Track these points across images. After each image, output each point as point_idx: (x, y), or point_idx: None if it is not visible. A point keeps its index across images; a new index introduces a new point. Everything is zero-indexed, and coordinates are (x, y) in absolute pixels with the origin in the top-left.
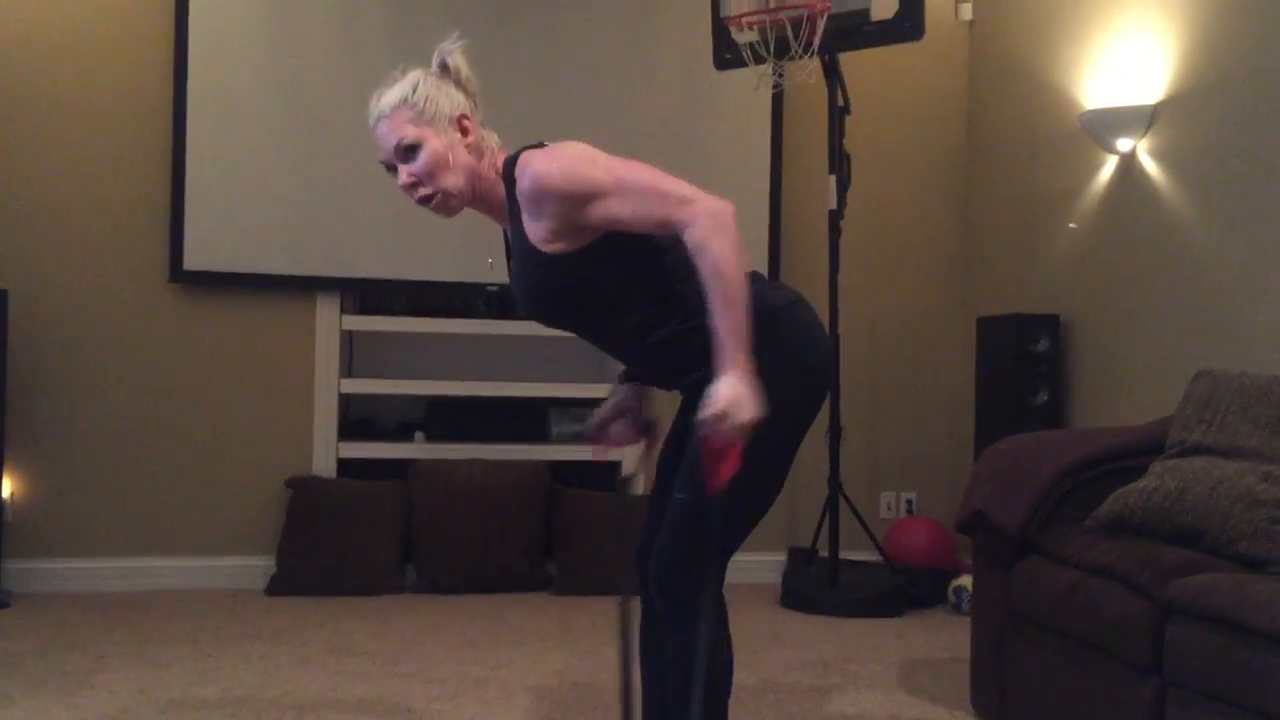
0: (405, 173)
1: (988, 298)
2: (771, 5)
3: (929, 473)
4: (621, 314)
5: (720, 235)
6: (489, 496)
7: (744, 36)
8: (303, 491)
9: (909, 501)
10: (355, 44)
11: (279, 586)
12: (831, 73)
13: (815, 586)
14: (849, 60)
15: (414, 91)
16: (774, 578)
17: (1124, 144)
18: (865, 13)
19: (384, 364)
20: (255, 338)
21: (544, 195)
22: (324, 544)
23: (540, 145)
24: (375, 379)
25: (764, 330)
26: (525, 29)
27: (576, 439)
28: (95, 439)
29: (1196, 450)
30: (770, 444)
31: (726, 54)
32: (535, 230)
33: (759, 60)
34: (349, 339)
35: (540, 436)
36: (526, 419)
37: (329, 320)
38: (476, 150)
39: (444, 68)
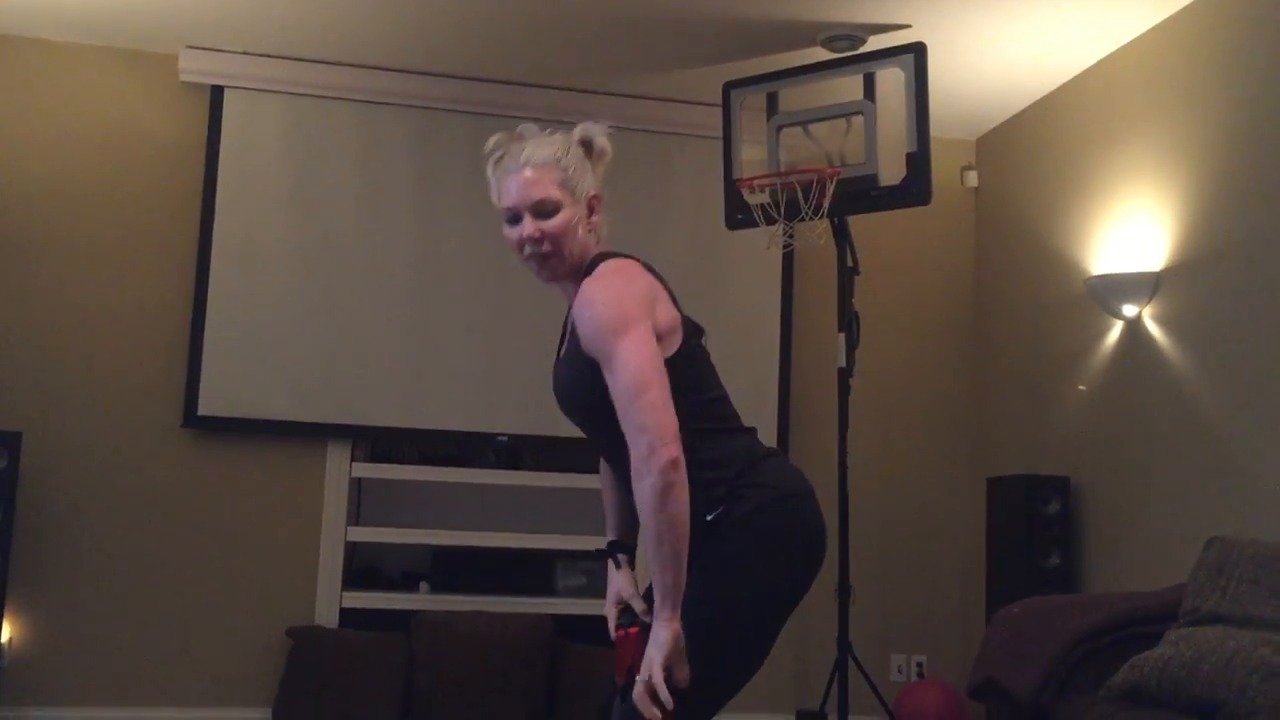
0: (534, 226)
1: (998, 458)
2: (782, 169)
3: (940, 634)
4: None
5: (648, 479)
6: (492, 650)
7: (755, 198)
8: (303, 641)
9: (919, 664)
10: (375, 201)
11: None
12: (841, 234)
13: None
14: (858, 222)
15: (566, 154)
16: None
17: (1129, 310)
18: (874, 178)
19: (391, 512)
20: (265, 484)
21: (581, 310)
22: (323, 697)
23: (626, 257)
24: (382, 527)
25: (764, 516)
26: None
27: (582, 592)
28: (99, 583)
29: (1211, 619)
30: (731, 640)
31: (738, 214)
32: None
33: (770, 221)
34: (358, 486)
35: (546, 589)
36: (532, 571)
37: (339, 467)
38: (594, 232)
39: (589, 146)
